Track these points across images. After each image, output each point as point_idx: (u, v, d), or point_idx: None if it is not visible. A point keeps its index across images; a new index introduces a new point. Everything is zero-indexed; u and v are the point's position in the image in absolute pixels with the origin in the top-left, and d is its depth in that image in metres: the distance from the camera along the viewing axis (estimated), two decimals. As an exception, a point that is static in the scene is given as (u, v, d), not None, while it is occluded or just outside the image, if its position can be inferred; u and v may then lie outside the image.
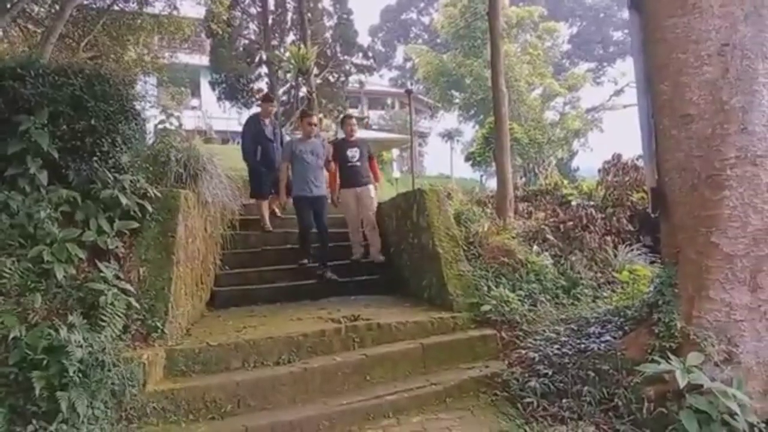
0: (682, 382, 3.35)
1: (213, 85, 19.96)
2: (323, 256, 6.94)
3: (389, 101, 41.89)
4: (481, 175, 30.66)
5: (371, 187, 7.45)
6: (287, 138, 8.57)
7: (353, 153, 7.42)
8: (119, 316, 3.94)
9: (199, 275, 5.71)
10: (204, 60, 21.50)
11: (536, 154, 22.58)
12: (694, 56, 3.85)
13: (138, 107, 4.94)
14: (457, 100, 31.34)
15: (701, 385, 3.40)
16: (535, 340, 4.51)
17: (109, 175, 4.58)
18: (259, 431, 3.61)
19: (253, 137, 7.82)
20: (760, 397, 3.57)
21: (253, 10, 20.24)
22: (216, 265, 6.76)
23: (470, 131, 33.93)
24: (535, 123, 25.84)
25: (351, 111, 26.67)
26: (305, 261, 6.88)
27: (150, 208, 4.68)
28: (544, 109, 28.85)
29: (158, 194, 4.82)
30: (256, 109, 9.03)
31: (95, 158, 4.59)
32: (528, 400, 3.90)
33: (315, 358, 4.38)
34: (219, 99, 20.04)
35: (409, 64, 43.06)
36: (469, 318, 5.08)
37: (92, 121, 4.49)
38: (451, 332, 4.91)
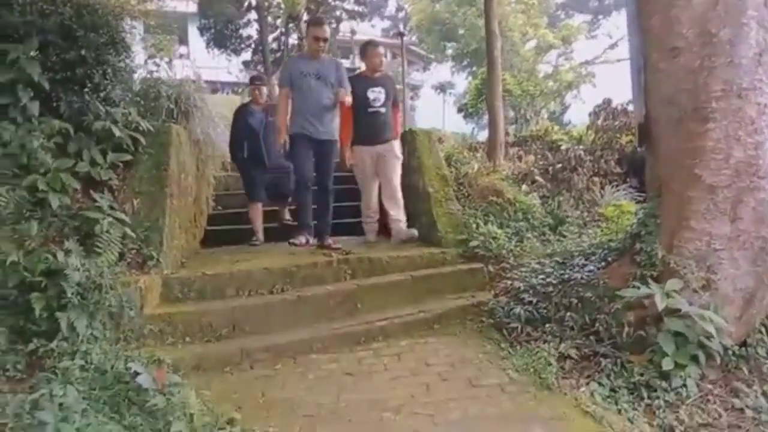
0: (660, 306, 3.48)
1: (201, 30, 19.60)
2: (323, 227, 5.37)
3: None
4: (473, 128, 30.55)
5: (396, 143, 5.70)
6: None
7: (376, 94, 5.61)
8: (115, 244, 4.02)
9: (193, 213, 5.77)
10: (192, 6, 21.03)
11: (528, 105, 22.46)
12: (685, -12, 3.85)
13: (128, 39, 4.90)
14: (449, 51, 30.96)
15: (679, 310, 3.54)
16: (521, 272, 4.64)
17: (101, 107, 4.59)
18: (253, 352, 3.75)
19: (238, 129, 6.39)
20: (735, 322, 3.70)
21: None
22: (209, 205, 6.83)
23: (463, 84, 33.63)
24: (528, 74, 25.62)
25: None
26: (302, 240, 5.27)
27: (143, 141, 4.70)
28: (538, 61, 28.58)
29: (150, 128, 4.84)
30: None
31: (86, 90, 4.58)
32: (512, 325, 4.05)
33: (308, 287, 4.50)
34: (208, 46, 19.71)
35: (401, 14, 42.34)
36: (457, 254, 5.21)
37: (82, 52, 4.47)
38: (440, 266, 5.05)
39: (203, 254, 5.63)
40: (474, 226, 5.33)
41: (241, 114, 6.43)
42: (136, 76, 5.31)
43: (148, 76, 5.41)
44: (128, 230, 4.19)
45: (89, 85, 4.59)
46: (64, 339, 3.32)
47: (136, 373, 2.92)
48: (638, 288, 3.67)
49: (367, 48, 5.88)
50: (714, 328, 3.47)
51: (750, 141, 3.80)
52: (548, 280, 4.33)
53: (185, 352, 3.68)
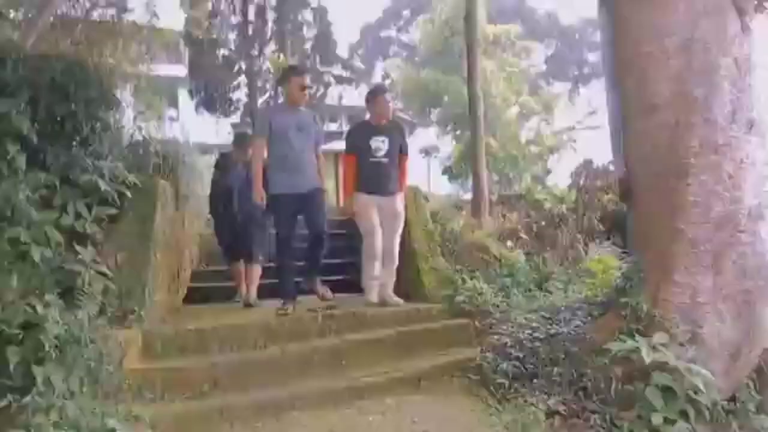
0: (647, 358, 3.47)
1: (191, 93, 19.98)
2: (314, 264, 5.32)
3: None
4: (459, 190, 30.94)
5: (399, 197, 5.40)
6: None
7: (379, 144, 5.30)
8: (96, 297, 3.95)
9: (176, 268, 5.72)
10: (182, 71, 21.51)
11: (512, 168, 22.90)
12: (660, 50, 4.01)
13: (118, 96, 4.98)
14: (434, 116, 31.67)
15: (666, 363, 3.53)
16: (508, 327, 4.60)
17: (88, 160, 4.60)
18: (234, 409, 3.63)
19: (217, 182, 5.90)
20: (722, 376, 3.70)
21: (233, 20, 20.40)
22: (192, 262, 6.78)
23: (447, 147, 34.30)
24: (511, 139, 26.20)
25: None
26: (287, 307, 4.87)
27: (129, 195, 4.70)
28: (521, 126, 29.26)
29: (137, 183, 4.85)
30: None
31: (74, 143, 4.61)
32: (500, 381, 3.98)
33: (291, 343, 4.42)
34: (197, 109, 20.05)
35: (388, 81, 43.52)
36: (443, 309, 5.18)
37: (72, 106, 4.52)
38: (426, 321, 5.00)
39: (186, 310, 5.54)
40: (460, 281, 5.32)
41: (221, 167, 5.97)
42: (125, 131, 5.35)
43: (137, 132, 5.45)
44: (110, 284, 4.13)
45: (77, 138, 4.62)
46: (39, 394, 3.20)
47: (113, 430, 2.83)
48: (624, 341, 3.66)
49: (372, 96, 5.54)
50: (702, 382, 3.46)
51: (729, 196, 3.90)
52: (535, 334, 4.30)
53: (164, 408, 3.56)
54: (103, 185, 4.52)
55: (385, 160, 5.28)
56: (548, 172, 31.96)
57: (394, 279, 5.39)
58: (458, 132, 28.43)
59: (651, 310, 3.85)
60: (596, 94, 36.67)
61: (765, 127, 4.09)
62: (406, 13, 50.90)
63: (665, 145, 4.01)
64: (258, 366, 4.08)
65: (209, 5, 19.21)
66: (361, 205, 5.27)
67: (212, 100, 20.30)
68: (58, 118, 4.53)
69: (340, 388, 3.97)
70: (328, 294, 5.38)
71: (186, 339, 4.20)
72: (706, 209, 3.88)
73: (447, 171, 20.82)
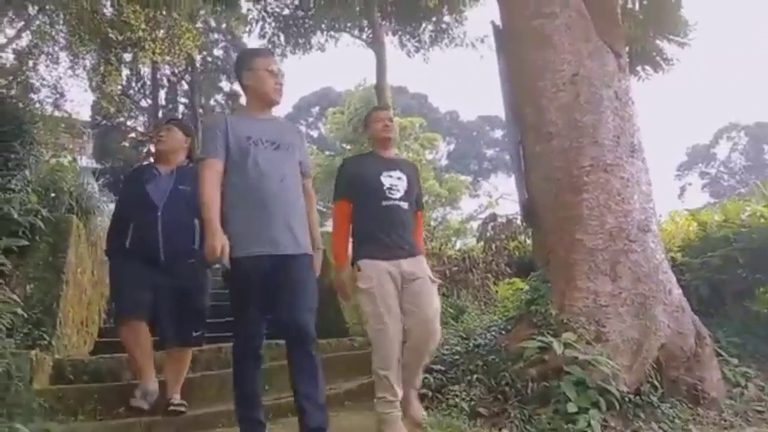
0: (559, 351, 3.70)
1: (95, 173, 19.48)
2: (317, 416, 2.94)
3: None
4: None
5: (423, 258, 3.62)
6: None
7: (394, 180, 3.55)
8: (4, 325, 3.76)
9: (85, 316, 5.49)
10: (88, 161, 21.06)
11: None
12: (551, 84, 4.54)
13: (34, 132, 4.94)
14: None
15: (577, 358, 3.77)
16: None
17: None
18: (155, 428, 3.51)
19: (124, 202, 4.01)
20: (627, 370, 3.96)
21: (144, 104, 20.44)
22: (101, 317, 6.50)
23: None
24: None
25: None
26: None
27: (41, 225, 4.59)
28: (428, 208, 30.31)
29: (51, 217, 4.75)
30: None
31: (-14, 174, 4.51)
32: (423, 392, 4.06)
33: (212, 372, 4.33)
34: (101, 191, 19.47)
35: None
36: (366, 341, 5.24)
37: (-15, 138, 4.47)
38: (349, 351, 5.05)
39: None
40: (380, 316, 5.43)
41: (133, 179, 4.09)
42: (40, 167, 5.26)
43: (53, 168, 5.37)
44: (19, 310, 3.95)
45: (-11, 170, 4.53)
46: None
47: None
48: (537, 341, 3.89)
49: (371, 117, 3.78)
50: (610, 373, 3.71)
51: (619, 209, 4.33)
52: (455, 349, 4.46)
53: (77, 426, 3.39)
54: (14, 214, 4.42)
55: (404, 204, 3.53)
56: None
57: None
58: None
59: (559, 315, 4.12)
60: (496, 187, 38.96)
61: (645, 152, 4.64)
62: (315, 109, 52.60)
63: (561, 167, 4.45)
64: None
65: (118, 88, 19.16)
66: (370, 279, 3.32)
67: (118, 182, 19.82)
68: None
69: (266, 407, 3.90)
70: None
71: (99, 365, 4.05)
72: (600, 222, 4.28)
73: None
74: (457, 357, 4.36)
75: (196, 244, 3.67)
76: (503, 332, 4.62)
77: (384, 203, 3.48)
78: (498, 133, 46.60)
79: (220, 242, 2.83)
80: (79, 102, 19.16)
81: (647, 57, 6.21)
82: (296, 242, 3.04)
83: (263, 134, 3.11)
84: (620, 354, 4.00)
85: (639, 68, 6.47)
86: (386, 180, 3.53)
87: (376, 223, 3.47)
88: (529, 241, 7.67)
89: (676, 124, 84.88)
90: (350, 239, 3.61)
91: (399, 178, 3.57)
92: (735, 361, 4.55)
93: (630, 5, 5.89)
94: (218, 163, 3.03)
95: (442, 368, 4.27)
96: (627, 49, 4.97)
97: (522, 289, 5.21)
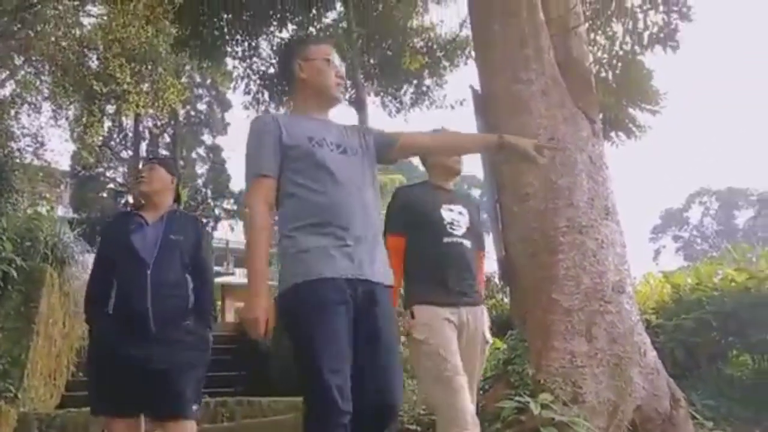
0: (536, 411, 3.68)
1: (71, 223, 19.29)
2: None
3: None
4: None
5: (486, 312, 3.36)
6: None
7: (455, 215, 3.21)
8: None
9: (54, 368, 5.36)
10: (65, 210, 20.92)
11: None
12: (528, 146, 4.66)
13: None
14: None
15: (553, 419, 3.75)
16: (406, 407, 4.67)
17: (-27, 239, 4.45)
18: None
19: (105, 258, 3.30)
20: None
21: (124, 155, 20.45)
22: (69, 369, 6.34)
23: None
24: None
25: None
26: None
27: (14, 274, 4.53)
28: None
29: (24, 266, 4.69)
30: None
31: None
32: (399, 453, 4.00)
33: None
34: (77, 240, 19.25)
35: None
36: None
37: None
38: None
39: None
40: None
41: (115, 229, 3.42)
42: (17, 215, 5.22)
43: (30, 217, 5.33)
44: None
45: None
46: None
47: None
48: (514, 401, 3.87)
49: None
50: (587, 434, 3.70)
51: (594, 270, 4.39)
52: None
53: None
54: (-13, 262, 4.36)
55: (467, 242, 3.16)
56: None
57: None
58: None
59: (536, 375, 4.12)
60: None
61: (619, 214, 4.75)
62: (296, 164, 52.93)
63: (537, 227, 4.53)
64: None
65: (99, 139, 19.21)
66: (431, 329, 2.89)
67: (94, 233, 19.62)
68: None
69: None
70: None
71: (67, 419, 3.92)
72: (576, 282, 4.34)
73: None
74: (434, 417, 4.29)
75: (190, 304, 3.21)
76: (481, 392, 4.59)
77: (446, 240, 3.12)
78: (476, 192, 47.38)
79: (264, 313, 2.15)
80: (59, 152, 19.03)
81: (620, 124, 6.41)
82: (379, 267, 2.37)
83: (326, 134, 2.47)
84: (597, 415, 3.99)
85: (613, 134, 6.65)
86: (447, 214, 3.17)
87: (435, 262, 3.07)
88: (506, 300, 7.70)
89: (651, 188, 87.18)
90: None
91: (460, 213, 3.24)
92: (710, 424, 4.56)
93: (603, 74, 6.12)
94: (271, 183, 2.36)
95: (419, 429, 4.22)
96: (601, 115, 5.15)
97: (499, 348, 5.21)
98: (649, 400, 4.16)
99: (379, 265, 2.37)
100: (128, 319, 3.04)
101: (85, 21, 13.73)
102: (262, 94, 11.35)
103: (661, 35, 5.77)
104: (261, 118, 2.51)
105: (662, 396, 4.23)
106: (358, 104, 10.14)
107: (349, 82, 10.32)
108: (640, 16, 5.79)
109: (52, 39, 11.89)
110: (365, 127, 2.63)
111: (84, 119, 14.16)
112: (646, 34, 5.85)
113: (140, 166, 21.35)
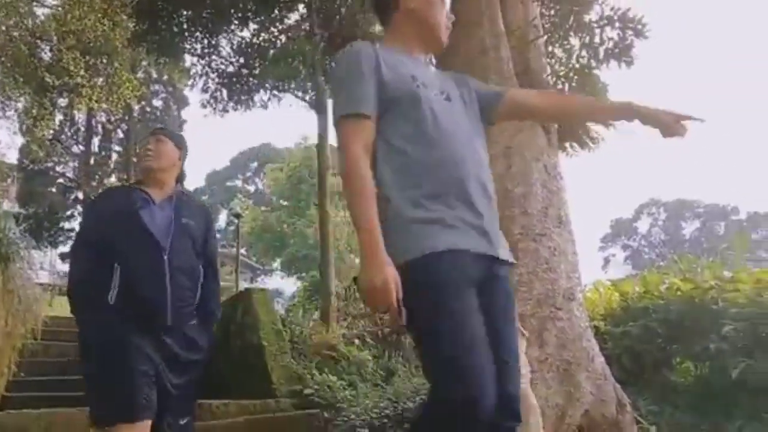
0: (487, 416, 3.74)
1: (17, 219, 18.66)
2: None
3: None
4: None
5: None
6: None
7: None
8: None
9: (-7, 368, 5.18)
10: (10, 205, 20.21)
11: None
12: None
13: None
14: (276, 264, 32.03)
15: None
16: (356, 414, 4.68)
17: None
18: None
19: (105, 238, 2.69)
20: (552, 436, 4.04)
21: (75, 149, 19.90)
22: (10, 370, 6.13)
23: (291, 288, 34.51)
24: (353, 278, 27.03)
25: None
26: None
27: (-45, 271, 4.36)
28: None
29: (-35, 261, 4.52)
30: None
31: None
32: (351, 457, 4.01)
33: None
34: (23, 235, 18.63)
35: (232, 228, 43.63)
36: (292, 404, 5.16)
37: None
38: (274, 413, 4.93)
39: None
40: (309, 377, 5.37)
41: (113, 206, 2.86)
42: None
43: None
44: None
45: None
46: None
47: None
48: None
49: None
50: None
51: (546, 277, 4.49)
52: (384, 412, 4.43)
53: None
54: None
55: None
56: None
57: None
58: (303, 274, 28.96)
59: (488, 380, 4.18)
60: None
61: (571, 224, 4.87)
62: (253, 165, 52.47)
63: (494, 234, 4.60)
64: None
65: (50, 132, 18.67)
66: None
67: (40, 228, 19.04)
68: None
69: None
70: None
71: (5, 422, 3.79)
72: (529, 288, 4.42)
73: (290, 310, 20.69)
74: (386, 420, 4.32)
75: (198, 298, 2.83)
76: (433, 396, 4.64)
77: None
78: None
79: (393, 276, 1.68)
80: (7, 144, 18.32)
81: (575, 135, 6.56)
82: (501, 244, 2.09)
83: (426, 78, 2.04)
84: (546, 419, 4.06)
85: (567, 145, 6.80)
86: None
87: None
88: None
89: (602, 198, 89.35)
90: None
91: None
92: (654, 429, 4.70)
93: (560, 86, 6.26)
94: (370, 126, 1.91)
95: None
96: (556, 126, 5.26)
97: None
98: (596, 405, 4.26)
99: (503, 241, 2.12)
100: (138, 312, 2.61)
101: (39, 11, 13.38)
102: (221, 93, 11.20)
103: (617, 50, 5.93)
104: (356, 45, 2.00)
105: (609, 401, 4.34)
106: (319, 107, 10.11)
107: (309, 84, 10.30)
108: (597, 31, 5.93)
109: (3, 28, 11.52)
110: (462, 75, 2.29)
111: (34, 112, 13.75)
112: (602, 49, 6.00)
113: (92, 162, 20.96)
